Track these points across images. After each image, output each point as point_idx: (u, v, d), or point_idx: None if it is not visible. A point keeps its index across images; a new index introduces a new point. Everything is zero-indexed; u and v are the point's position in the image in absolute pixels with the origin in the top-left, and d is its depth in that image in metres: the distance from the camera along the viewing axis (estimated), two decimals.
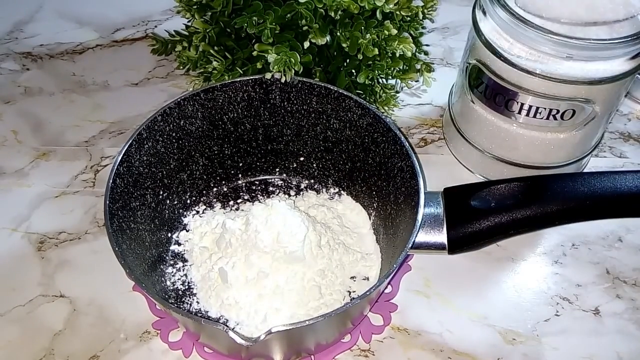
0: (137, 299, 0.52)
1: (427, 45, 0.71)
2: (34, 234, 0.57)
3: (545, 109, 0.52)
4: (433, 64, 0.67)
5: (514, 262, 0.56)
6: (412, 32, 0.60)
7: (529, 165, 0.58)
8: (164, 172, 0.53)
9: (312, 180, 0.59)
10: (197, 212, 0.57)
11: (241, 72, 0.56)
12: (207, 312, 0.49)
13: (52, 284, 0.54)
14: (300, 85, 0.53)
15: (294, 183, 0.60)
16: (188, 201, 0.56)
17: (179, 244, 0.54)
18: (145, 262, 0.48)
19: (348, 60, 0.58)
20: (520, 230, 0.47)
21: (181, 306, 0.50)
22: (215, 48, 0.57)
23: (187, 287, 0.51)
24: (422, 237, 0.47)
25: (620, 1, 0.49)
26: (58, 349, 0.49)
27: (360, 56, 0.55)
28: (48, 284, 0.54)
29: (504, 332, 0.51)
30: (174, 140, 0.53)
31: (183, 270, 0.52)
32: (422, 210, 0.45)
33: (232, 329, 0.39)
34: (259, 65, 0.54)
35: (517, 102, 0.52)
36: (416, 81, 0.61)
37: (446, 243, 0.47)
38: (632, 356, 0.50)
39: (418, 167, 0.47)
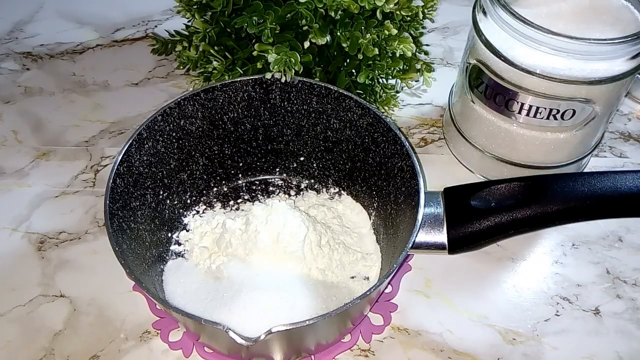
0: (137, 299, 0.52)
1: (427, 45, 0.71)
2: (34, 234, 0.57)
3: (545, 108, 0.52)
4: (433, 63, 0.67)
5: (514, 262, 0.56)
6: (412, 32, 0.60)
7: (529, 165, 0.58)
8: (164, 172, 0.53)
9: (312, 180, 0.59)
10: (197, 212, 0.57)
11: (241, 72, 0.56)
12: None
13: (52, 284, 0.54)
14: (300, 85, 0.53)
15: (294, 183, 0.60)
16: (188, 201, 0.56)
17: (179, 244, 0.54)
18: (145, 262, 0.48)
19: (348, 60, 0.58)
20: (521, 230, 0.47)
21: None
22: (216, 48, 0.57)
23: None
24: (422, 237, 0.47)
25: (609, 21, 0.50)
26: (58, 349, 0.50)
27: (360, 56, 0.55)
28: (48, 284, 0.54)
29: (504, 332, 0.51)
30: (174, 140, 0.53)
31: None
32: (422, 210, 0.45)
33: (232, 329, 0.39)
34: (259, 65, 0.54)
35: (517, 102, 0.52)
36: (416, 81, 0.61)
37: (446, 243, 0.47)
38: (632, 356, 0.50)
39: (418, 167, 0.47)
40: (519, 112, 0.53)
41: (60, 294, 0.53)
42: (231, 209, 0.57)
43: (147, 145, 0.50)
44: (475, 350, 0.50)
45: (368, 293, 0.41)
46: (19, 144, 0.66)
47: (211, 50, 0.57)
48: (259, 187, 0.59)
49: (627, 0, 0.51)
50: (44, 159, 0.64)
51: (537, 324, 0.52)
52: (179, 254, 0.53)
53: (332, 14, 0.52)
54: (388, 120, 0.50)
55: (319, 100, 0.54)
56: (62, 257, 0.56)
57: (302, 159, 0.59)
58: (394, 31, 0.54)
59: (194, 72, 0.61)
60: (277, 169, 0.60)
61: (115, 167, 0.47)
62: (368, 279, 0.52)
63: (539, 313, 0.52)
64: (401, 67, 0.59)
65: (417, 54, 0.62)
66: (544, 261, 0.56)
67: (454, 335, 0.51)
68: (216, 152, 0.56)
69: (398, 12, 0.55)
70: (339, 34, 0.54)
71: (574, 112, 0.51)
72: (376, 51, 0.54)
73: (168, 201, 0.54)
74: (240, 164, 0.58)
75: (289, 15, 0.53)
